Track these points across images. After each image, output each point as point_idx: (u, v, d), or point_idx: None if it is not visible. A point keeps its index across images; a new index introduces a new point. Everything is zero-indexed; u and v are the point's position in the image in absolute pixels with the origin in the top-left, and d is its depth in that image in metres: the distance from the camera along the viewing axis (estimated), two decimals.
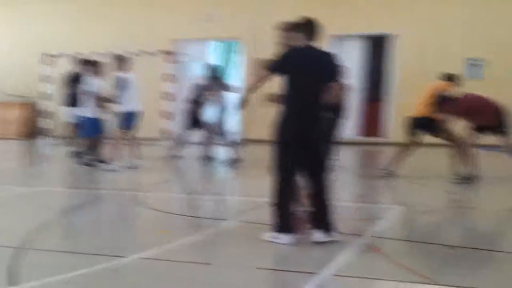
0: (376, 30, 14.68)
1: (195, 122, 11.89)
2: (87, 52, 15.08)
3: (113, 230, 6.37)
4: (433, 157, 11.71)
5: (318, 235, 5.31)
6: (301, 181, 5.57)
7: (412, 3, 14.41)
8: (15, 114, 17.64)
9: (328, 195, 5.43)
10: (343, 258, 4.91)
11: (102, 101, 10.53)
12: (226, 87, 11.62)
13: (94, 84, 10.49)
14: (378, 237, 5.68)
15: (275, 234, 5.39)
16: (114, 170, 10.24)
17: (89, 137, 10.65)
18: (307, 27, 5.57)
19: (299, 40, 5.51)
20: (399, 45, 14.45)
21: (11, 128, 17.58)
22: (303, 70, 5.37)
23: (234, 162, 11.35)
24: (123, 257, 5.00)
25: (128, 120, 10.42)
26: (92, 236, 6.00)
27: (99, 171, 10.38)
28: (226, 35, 16.39)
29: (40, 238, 5.82)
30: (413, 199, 7.94)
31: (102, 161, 10.61)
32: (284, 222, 5.39)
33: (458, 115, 8.75)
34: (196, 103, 11.72)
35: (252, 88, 5.61)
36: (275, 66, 5.42)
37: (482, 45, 13.79)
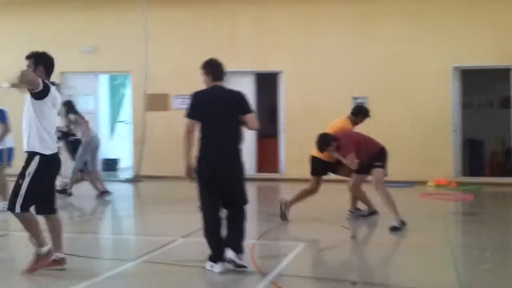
0: (263, 67, 15.06)
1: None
2: None
3: (9, 273, 6.04)
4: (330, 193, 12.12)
5: (230, 254, 5.81)
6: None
7: (297, 40, 14.89)
8: None
9: (243, 221, 5.99)
10: None
11: None
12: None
13: None
14: (281, 274, 5.81)
15: (210, 264, 5.91)
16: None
17: None
18: (212, 68, 6.11)
19: (208, 81, 6.04)
20: (284, 81, 14.90)
21: None
22: (210, 110, 5.88)
23: (101, 195, 11.16)
24: None
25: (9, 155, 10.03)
26: None
27: None
28: (116, 69, 16.18)
29: None
30: (313, 236, 8.11)
31: None
32: (215, 252, 5.89)
33: (348, 153, 8.81)
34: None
35: (187, 151, 6.00)
36: (188, 113, 5.95)
37: (365, 82, 14.46)
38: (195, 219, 9.27)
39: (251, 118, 6.05)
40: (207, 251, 7.05)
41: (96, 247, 7.61)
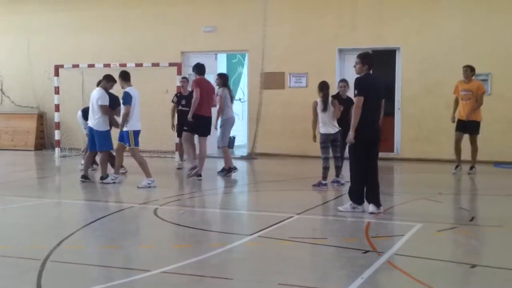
0: (381, 43, 14.77)
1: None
2: (97, 65, 15.26)
3: (134, 244, 6.46)
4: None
5: (372, 208, 7.74)
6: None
7: (416, 15, 14.48)
8: (26, 126, 17.74)
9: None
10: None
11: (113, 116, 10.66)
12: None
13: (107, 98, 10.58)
14: (397, 254, 5.78)
15: (351, 205, 7.86)
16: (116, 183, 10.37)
17: (101, 151, 10.69)
18: (370, 60, 7.98)
19: (363, 70, 7.91)
20: (402, 57, 14.52)
21: (22, 139, 17.67)
22: (373, 92, 7.92)
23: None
24: (148, 270, 5.10)
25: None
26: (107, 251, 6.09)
27: (106, 183, 10.46)
28: (234, 48, 16.53)
29: (63, 251, 5.92)
30: (430, 217, 7.97)
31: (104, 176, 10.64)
32: (360, 198, 7.87)
33: None
34: None
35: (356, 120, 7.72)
36: (361, 92, 7.76)
37: (488, 58, 13.86)
38: (309, 197, 9.49)
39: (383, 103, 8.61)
40: (322, 228, 7.16)
41: (215, 222, 7.91)
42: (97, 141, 10.48)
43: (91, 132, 10.61)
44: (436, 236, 6.70)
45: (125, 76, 10.38)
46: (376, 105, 8.00)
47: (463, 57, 13.45)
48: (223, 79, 12.03)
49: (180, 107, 12.32)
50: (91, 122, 10.55)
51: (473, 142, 11.85)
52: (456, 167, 11.86)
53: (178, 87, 13.73)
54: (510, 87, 13.61)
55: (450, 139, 12.30)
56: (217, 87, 11.85)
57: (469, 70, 11.72)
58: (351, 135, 7.75)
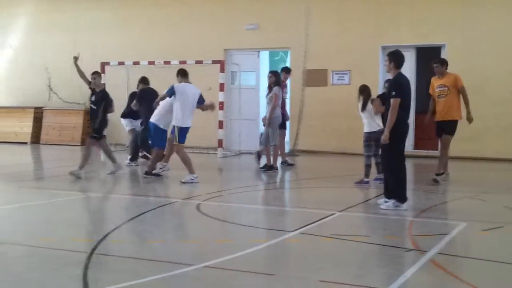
0: (425, 40, 14.58)
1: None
2: (143, 62, 15.49)
3: (178, 238, 6.55)
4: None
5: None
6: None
7: (462, 11, 14.24)
8: (72, 121, 18.19)
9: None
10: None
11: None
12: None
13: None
14: (440, 253, 5.71)
15: (394, 203, 7.87)
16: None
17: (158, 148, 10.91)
18: (401, 58, 7.99)
19: (393, 69, 7.92)
20: (447, 55, 14.29)
21: (68, 134, 18.13)
22: (408, 91, 8.06)
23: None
24: (191, 265, 5.17)
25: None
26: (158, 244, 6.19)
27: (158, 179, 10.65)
28: (277, 45, 16.56)
29: (112, 244, 6.05)
30: (475, 216, 7.87)
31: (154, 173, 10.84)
32: (405, 195, 7.95)
33: None
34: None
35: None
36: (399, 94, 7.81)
37: None
38: (351, 194, 9.45)
39: None
40: (364, 225, 7.15)
41: (257, 218, 7.95)
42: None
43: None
44: (481, 235, 6.60)
45: (183, 73, 10.61)
46: (409, 104, 8.14)
47: (503, 55, 13.26)
48: (277, 77, 12.03)
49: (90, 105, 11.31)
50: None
51: (445, 144, 10.38)
52: (442, 173, 10.40)
53: (220, 83, 13.77)
54: None
55: (495, 138, 12.05)
56: (271, 85, 11.84)
57: (440, 65, 10.43)
58: (386, 135, 7.78)
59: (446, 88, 10.26)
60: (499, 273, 5.26)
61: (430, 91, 10.72)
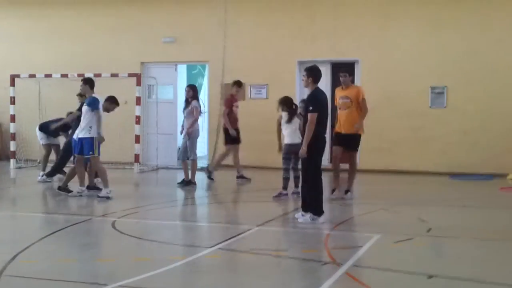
0: (340, 55, 14.93)
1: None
2: (55, 75, 15.02)
3: (93, 257, 6.35)
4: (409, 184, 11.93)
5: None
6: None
7: (374, 28, 14.70)
8: None
9: None
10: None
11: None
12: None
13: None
14: (356, 266, 5.82)
15: (312, 217, 7.98)
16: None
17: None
18: (318, 73, 8.12)
19: (310, 84, 8.07)
20: (361, 70, 14.68)
21: None
22: (325, 106, 8.25)
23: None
24: (106, 284, 5.01)
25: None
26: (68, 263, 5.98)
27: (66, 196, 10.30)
28: (194, 59, 16.50)
29: (22, 265, 5.78)
30: (388, 227, 8.07)
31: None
32: (321, 207, 8.09)
33: None
34: None
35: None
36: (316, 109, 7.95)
37: (444, 71, 14.16)
38: (269, 208, 9.49)
39: None
40: (282, 239, 7.19)
41: (174, 234, 7.84)
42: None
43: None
44: (394, 247, 6.78)
45: (93, 84, 10.32)
46: (326, 119, 8.31)
47: (416, 70, 13.83)
48: (195, 91, 11.95)
49: None
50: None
51: (352, 160, 10.37)
52: (333, 190, 10.24)
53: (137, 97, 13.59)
54: (464, 100, 13.92)
55: (412, 150, 12.40)
56: (189, 99, 11.75)
57: (348, 75, 10.22)
58: (304, 149, 7.92)
59: (348, 100, 10.07)
60: (411, 283, 5.41)
61: (335, 102, 10.49)
